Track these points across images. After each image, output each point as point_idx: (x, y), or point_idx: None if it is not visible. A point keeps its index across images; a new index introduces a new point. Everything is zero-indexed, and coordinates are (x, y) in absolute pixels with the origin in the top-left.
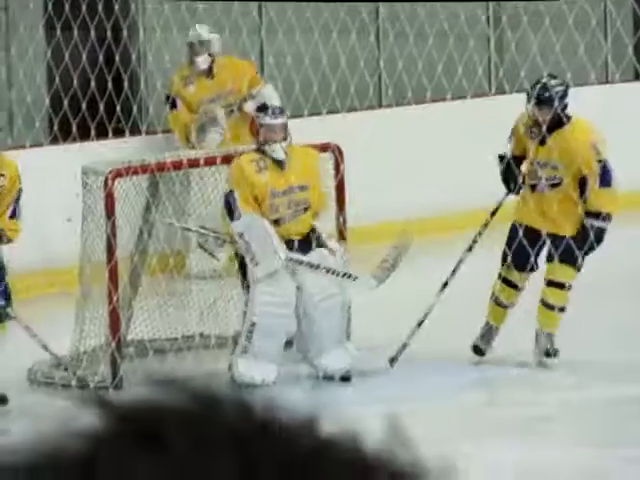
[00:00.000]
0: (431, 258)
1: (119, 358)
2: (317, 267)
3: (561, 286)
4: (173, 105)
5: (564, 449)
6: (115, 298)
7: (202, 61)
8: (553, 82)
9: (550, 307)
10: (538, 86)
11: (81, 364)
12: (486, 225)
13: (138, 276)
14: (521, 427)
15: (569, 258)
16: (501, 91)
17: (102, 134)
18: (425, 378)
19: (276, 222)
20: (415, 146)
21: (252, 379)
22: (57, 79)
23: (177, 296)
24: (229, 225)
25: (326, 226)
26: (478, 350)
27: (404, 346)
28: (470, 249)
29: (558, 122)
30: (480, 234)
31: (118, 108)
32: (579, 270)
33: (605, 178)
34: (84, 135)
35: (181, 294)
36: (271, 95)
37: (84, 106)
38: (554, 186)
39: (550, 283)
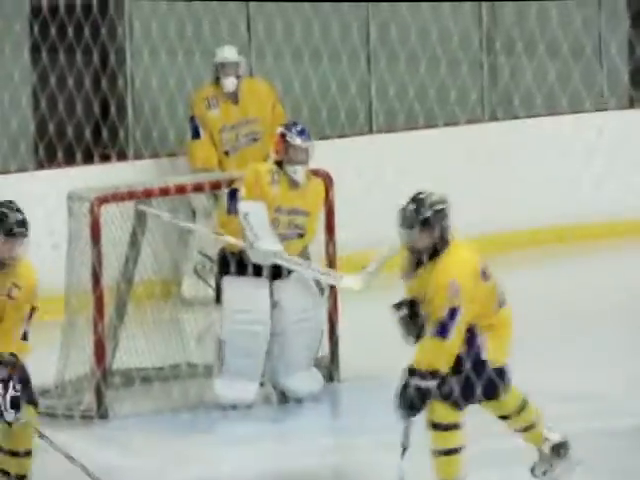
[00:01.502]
0: None
1: (104, 387)
2: (304, 266)
3: (434, 426)
4: (195, 133)
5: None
6: (101, 326)
7: (231, 83)
8: (412, 208)
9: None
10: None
11: (66, 393)
12: None
13: (124, 304)
14: (515, 458)
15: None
16: (494, 118)
17: (88, 159)
18: None
19: None
20: (405, 173)
21: (226, 400)
22: (43, 103)
23: (164, 324)
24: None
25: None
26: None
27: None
28: None
29: (433, 250)
30: None
31: (105, 133)
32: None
33: (441, 328)
34: (70, 160)
35: (169, 321)
36: None
37: (70, 131)
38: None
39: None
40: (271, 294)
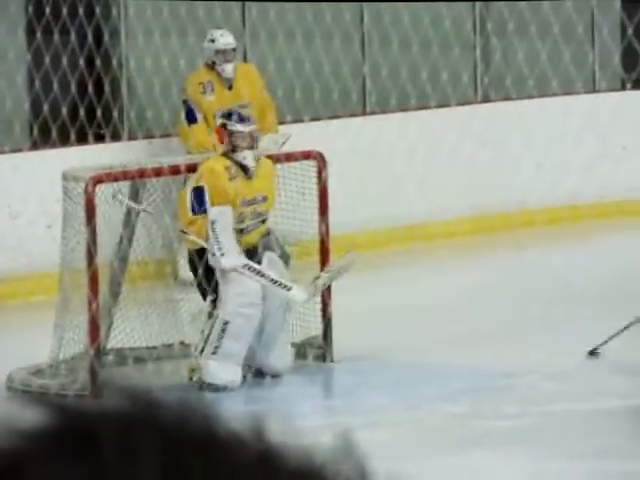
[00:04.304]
0: (415, 267)
1: (98, 366)
2: (263, 276)
3: None
4: (191, 117)
5: (547, 461)
6: (95, 306)
7: (231, 69)
8: None
9: None
10: None
11: (60, 372)
12: None
13: (118, 284)
14: (504, 438)
15: None
16: (486, 99)
17: (83, 139)
18: (410, 388)
19: (240, 232)
20: (398, 153)
21: (220, 381)
22: (37, 83)
23: (158, 304)
24: (189, 216)
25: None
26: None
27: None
28: None
29: None
30: None
31: (99, 113)
32: None
33: None
34: (64, 140)
35: (163, 301)
36: (281, 138)
37: (65, 111)
38: None
39: None
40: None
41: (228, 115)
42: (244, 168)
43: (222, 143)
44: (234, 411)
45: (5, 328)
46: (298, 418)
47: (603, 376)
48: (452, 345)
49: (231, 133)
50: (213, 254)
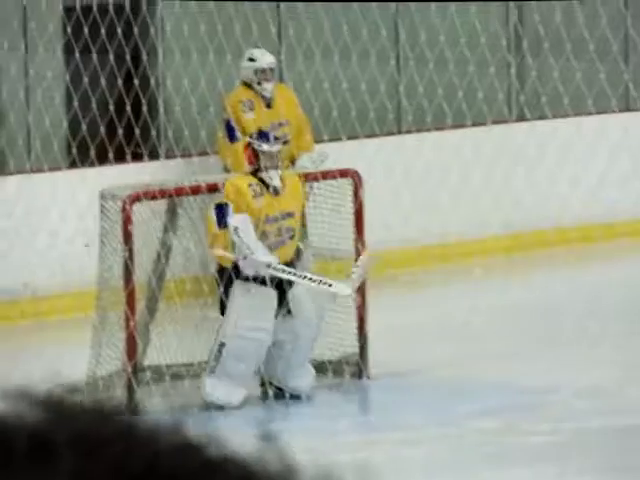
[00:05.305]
0: (449, 285)
1: (135, 383)
2: (297, 275)
3: None
4: (232, 135)
5: (580, 477)
6: (132, 323)
7: (271, 88)
8: None
9: None
10: None
11: (97, 388)
12: None
13: (155, 301)
14: (538, 454)
15: None
16: (521, 118)
17: (120, 158)
18: (445, 405)
19: (267, 248)
20: (434, 172)
21: (217, 399)
22: (76, 102)
23: (195, 320)
24: (215, 227)
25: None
26: None
27: None
28: None
29: None
30: None
31: (137, 132)
32: None
33: None
34: (102, 159)
35: (199, 318)
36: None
37: (103, 130)
38: None
39: None
40: (285, 302)
41: (254, 135)
42: (269, 187)
43: (250, 163)
44: (255, 428)
45: (43, 345)
46: (335, 435)
47: (635, 392)
48: (486, 362)
49: (257, 153)
50: (244, 257)
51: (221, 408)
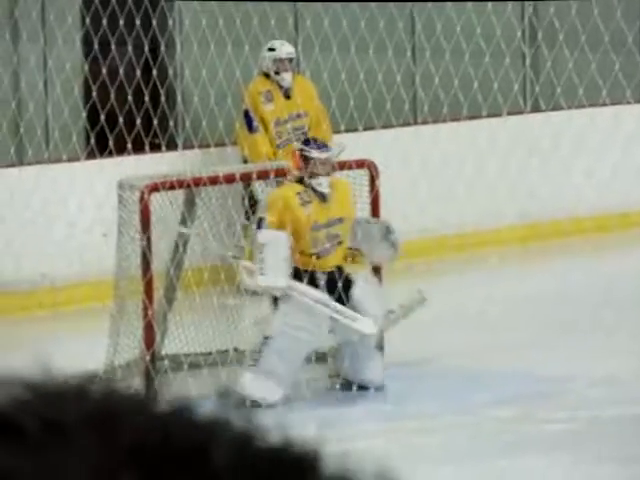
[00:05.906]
0: (465, 274)
1: (153, 372)
2: (321, 302)
3: None
4: (252, 126)
5: (596, 465)
6: (150, 312)
7: (290, 78)
8: None
9: None
10: None
11: (115, 377)
12: None
13: (173, 290)
14: (554, 443)
15: None
16: (536, 109)
17: (139, 149)
18: (460, 393)
19: (317, 256)
20: (450, 162)
21: (252, 395)
22: (94, 93)
23: (213, 310)
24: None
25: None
26: None
27: None
28: None
29: None
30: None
31: (155, 123)
32: None
33: None
34: (121, 150)
35: (218, 307)
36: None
37: (121, 120)
38: None
39: None
40: (349, 305)
41: (305, 142)
42: (318, 194)
43: (297, 168)
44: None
45: (61, 334)
46: (350, 423)
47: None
48: (502, 351)
49: (308, 159)
50: (262, 274)
51: (257, 404)
